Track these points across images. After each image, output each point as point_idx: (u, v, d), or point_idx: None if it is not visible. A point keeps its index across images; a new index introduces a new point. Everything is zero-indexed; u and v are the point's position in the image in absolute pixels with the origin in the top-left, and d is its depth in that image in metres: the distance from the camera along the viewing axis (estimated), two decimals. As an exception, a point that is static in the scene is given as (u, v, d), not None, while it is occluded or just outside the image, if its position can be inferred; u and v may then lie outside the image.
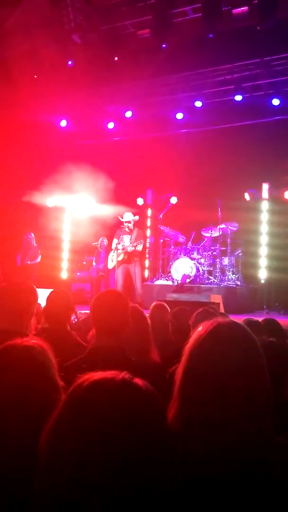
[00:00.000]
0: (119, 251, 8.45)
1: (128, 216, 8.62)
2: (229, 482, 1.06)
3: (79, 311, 6.22)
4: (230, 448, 1.09)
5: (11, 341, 1.37)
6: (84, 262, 11.29)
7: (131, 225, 8.57)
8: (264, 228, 10.42)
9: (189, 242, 9.87)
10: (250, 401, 1.13)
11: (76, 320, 4.77)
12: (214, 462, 1.08)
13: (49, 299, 2.96)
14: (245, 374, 1.14)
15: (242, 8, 7.28)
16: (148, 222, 11.61)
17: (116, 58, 8.83)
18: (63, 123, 11.37)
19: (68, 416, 0.87)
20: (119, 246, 8.43)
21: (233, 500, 1.06)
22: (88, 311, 5.70)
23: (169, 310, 4.03)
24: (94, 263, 10.24)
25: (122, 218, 8.65)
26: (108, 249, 9.51)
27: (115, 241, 8.66)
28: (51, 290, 3.11)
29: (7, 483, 1.16)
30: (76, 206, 12.19)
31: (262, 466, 1.10)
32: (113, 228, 9.23)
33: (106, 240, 9.96)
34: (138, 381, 0.91)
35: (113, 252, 8.57)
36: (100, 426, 0.83)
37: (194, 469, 1.08)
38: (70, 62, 9.05)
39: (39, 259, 9.73)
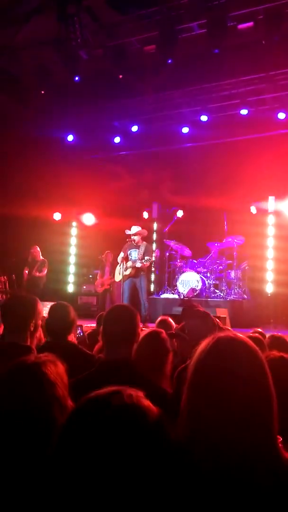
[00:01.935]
0: (127, 265, 8.41)
1: (135, 230, 8.60)
2: (235, 494, 1.07)
3: (85, 325, 6.19)
4: (235, 462, 1.09)
5: (25, 356, 1.37)
6: (90, 276, 11.29)
7: (137, 238, 8.55)
8: (270, 241, 10.38)
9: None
10: (254, 414, 1.13)
11: (82, 333, 4.75)
12: (220, 475, 1.08)
13: (49, 313, 2.95)
14: (247, 387, 1.15)
15: (247, 24, 7.35)
16: (154, 236, 11.62)
17: (120, 76, 8.92)
18: (70, 137, 11.48)
19: (70, 436, 0.87)
20: (129, 263, 8.38)
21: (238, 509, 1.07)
22: (94, 325, 5.68)
23: (174, 324, 3.99)
24: (98, 277, 10.23)
25: (130, 231, 8.63)
26: (114, 262, 9.49)
27: (121, 254, 8.64)
28: (52, 304, 3.07)
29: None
30: (82, 220, 12.24)
31: (268, 480, 1.09)
32: (119, 242, 9.22)
33: (111, 254, 9.95)
34: (143, 402, 0.90)
35: (120, 266, 8.54)
36: (100, 451, 0.82)
37: (200, 481, 1.08)
38: (77, 78, 9.15)
39: (45, 271, 9.73)
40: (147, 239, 10.12)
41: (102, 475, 0.80)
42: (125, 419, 0.86)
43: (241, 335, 1.28)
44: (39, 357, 1.36)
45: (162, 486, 0.85)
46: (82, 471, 0.81)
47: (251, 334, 3.59)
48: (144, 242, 8.67)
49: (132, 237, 8.55)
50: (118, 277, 8.70)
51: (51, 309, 2.96)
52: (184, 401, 1.21)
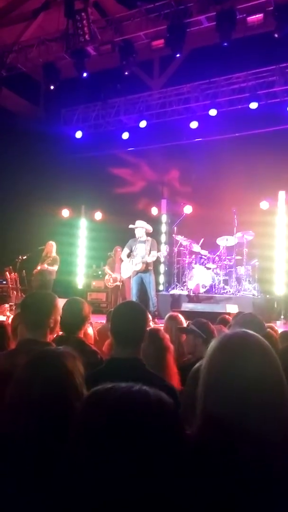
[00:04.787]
0: (135, 260, 8.33)
1: (139, 224, 8.53)
2: (252, 487, 1.07)
3: (95, 321, 6.18)
4: (256, 455, 1.09)
5: (45, 348, 1.48)
6: (100, 272, 11.28)
7: (141, 232, 8.44)
8: (280, 236, 10.27)
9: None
10: (268, 409, 1.14)
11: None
12: (241, 470, 1.08)
13: (63, 307, 2.96)
14: (260, 383, 1.16)
15: (257, 16, 7.26)
16: (163, 232, 11.58)
17: (126, 73, 8.86)
18: (79, 134, 11.47)
19: (85, 423, 0.90)
20: (138, 258, 8.28)
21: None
22: (103, 321, 5.67)
23: (184, 320, 3.96)
24: (108, 273, 10.17)
25: (134, 226, 8.55)
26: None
27: (125, 251, 8.58)
28: (67, 299, 3.10)
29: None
30: (91, 216, 12.25)
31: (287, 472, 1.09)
32: (128, 238, 9.18)
33: (120, 249, 9.91)
34: (155, 392, 0.91)
35: (128, 262, 8.48)
36: (115, 435, 0.84)
37: (219, 477, 1.07)
38: (85, 74, 9.12)
39: (55, 267, 9.70)
40: (156, 234, 10.06)
41: (120, 459, 0.82)
42: (146, 406, 0.87)
43: (251, 332, 1.28)
44: (60, 349, 1.47)
45: (179, 475, 0.86)
46: (100, 455, 0.83)
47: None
48: (149, 238, 8.54)
49: (135, 231, 8.47)
50: (125, 274, 8.63)
51: (66, 304, 2.99)
52: (199, 397, 1.22)
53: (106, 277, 10.24)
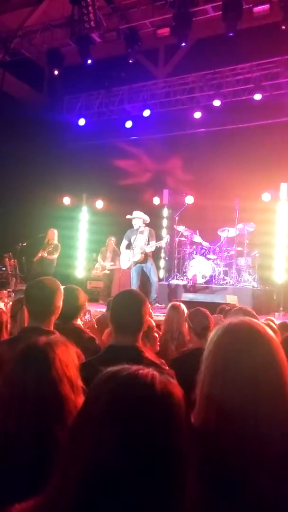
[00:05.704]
0: (134, 251, 8.34)
1: (137, 214, 8.52)
2: (263, 479, 1.06)
3: (94, 309, 6.22)
4: (262, 445, 1.09)
5: (36, 338, 1.42)
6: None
7: (139, 223, 8.42)
8: (282, 228, 10.28)
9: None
10: (276, 398, 1.13)
11: (90, 318, 4.76)
12: (248, 459, 1.08)
13: None
14: (262, 372, 1.15)
15: (263, 6, 7.20)
16: (164, 222, 11.58)
17: (130, 61, 8.81)
18: (82, 121, 11.42)
19: (92, 404, 0.89)
20: (137, 249, 8.28)
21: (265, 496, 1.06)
22: (102, 310, 5.72)
23: (186, 310, 4.00)
24: (98, 261, 10.20)
25: (131, 216, 8.55)
26: (116, 248, 9.49)
27: (124, 242, 8.58)
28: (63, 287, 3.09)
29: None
30: (93, 205, 12.24)
31: None
32: (128, 227, 9.19)
33: (114, 239, 9.96)
34: (164, 375, 0.91)
35: (128, 252, 8.49)
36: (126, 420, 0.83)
37: (227, 466, 1.08)
38: (89, 61, 9.06)
39: (55, 255, 9.73)
40: (158, 224, 10.04)
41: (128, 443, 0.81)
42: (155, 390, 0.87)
43: (254, 320, 1.29)
44: (51, 339, 1.41)
45: (184, 458, 0.86)
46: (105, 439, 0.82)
47: (262, 321, 3.58)
48: (147, 227, 8.53)
49: (133, 222, 8.46)
50: (125, 265, 8.61)
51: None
52: (201, 383, 1.22)
53: (96, 265, 10.28)
